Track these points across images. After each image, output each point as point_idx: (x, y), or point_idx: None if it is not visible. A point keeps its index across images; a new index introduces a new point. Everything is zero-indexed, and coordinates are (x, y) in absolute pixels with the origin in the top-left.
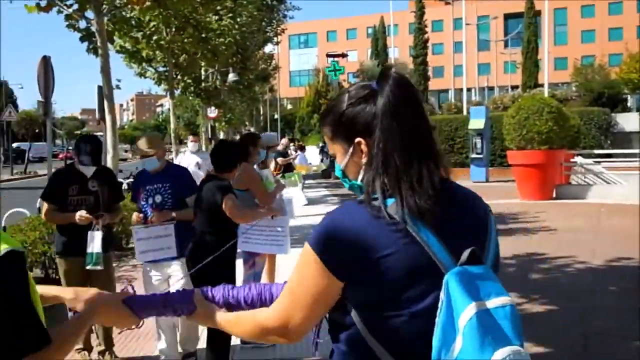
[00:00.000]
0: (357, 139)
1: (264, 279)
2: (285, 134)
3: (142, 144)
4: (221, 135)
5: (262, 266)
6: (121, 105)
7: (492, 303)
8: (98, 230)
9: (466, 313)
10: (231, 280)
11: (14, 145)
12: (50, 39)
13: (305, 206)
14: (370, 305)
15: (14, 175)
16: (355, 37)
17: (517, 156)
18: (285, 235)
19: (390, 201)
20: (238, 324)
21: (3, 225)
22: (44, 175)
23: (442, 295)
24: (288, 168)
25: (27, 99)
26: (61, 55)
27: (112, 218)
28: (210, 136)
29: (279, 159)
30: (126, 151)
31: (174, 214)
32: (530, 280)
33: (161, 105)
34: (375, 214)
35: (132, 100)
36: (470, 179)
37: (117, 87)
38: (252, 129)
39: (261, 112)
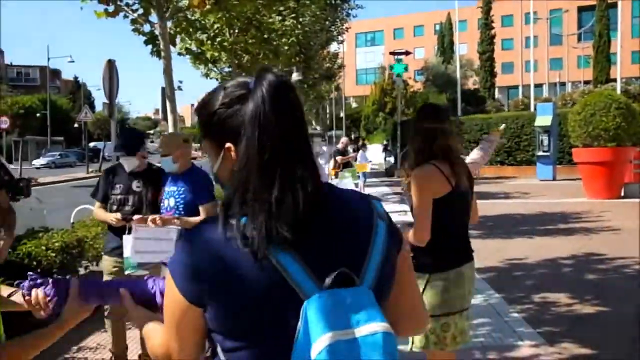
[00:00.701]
0: (228, 144)
1: None
2: (351, 132)
3: (159, 143)
4: None
5: None
6: (192, 105)
7: (360, 331)
8: (135, 232)
9: (318, 345)
10: None
11: (90, 144)
12: (124, 42)
13: None
14: (226, 333)
15: (89, 174)
16: (422, 34)
17: (582, 154)
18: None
19: (245, 219)
20: (148, 339)
21: (72, 221)
22: None
23: (299, 324)
24: (347, 166)
25: (98, 101)
26: (136, 58)
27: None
28: None
29: (338, 158)
30: (196, 150)
31: (176, 220)
32: (585, 281)
33: None
34: (230, 234)
35: None
36: (536, 177)
37: (179, 88)
38: (318, 128)
39: (327, 111)
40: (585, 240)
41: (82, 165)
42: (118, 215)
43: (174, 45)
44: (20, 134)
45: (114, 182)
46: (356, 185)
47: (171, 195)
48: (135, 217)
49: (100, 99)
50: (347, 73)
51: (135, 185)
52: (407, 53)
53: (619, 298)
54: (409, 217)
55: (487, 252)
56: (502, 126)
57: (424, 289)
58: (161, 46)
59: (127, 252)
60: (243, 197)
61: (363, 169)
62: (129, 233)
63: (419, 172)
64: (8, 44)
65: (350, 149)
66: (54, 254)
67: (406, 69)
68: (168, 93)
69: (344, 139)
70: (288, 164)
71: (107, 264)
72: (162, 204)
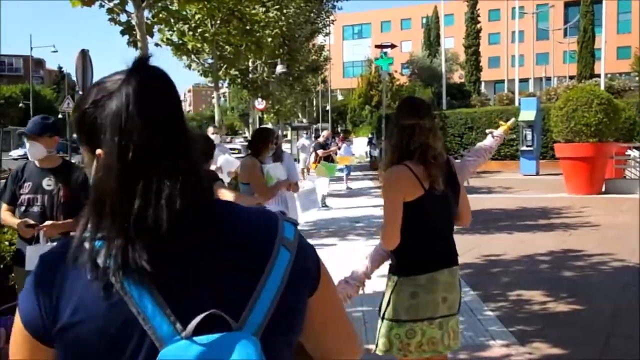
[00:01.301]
0: (98, 151)
1: None
2: (337, 125)
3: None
4: (269, 126)
5: None
6: None
7: None
8: (44, 242)
9: None
10: None
11: (75, 135)
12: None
13: (346, 198)
14: None
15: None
16: (409, 27)
17: (564, 149)
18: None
19: (101, 244)
20: None
21: None
22: None
23: None
24: (328, 160)
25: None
26: (121, 48)
27: (63, 228)
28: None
29: (319, 151)
30: None
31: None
32: (562, 278)
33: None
34: (81, 261)
35: (189, 91)
36: (520, 171)
37: None
38: (304, 121)
39: (314, 104)
40: (565, 237)
41: (65, 157)
42: (27, 220)
43: (151, 35)
44: (2, 124)
45: (23, 179)
46: (339, 178)
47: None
48: (46, 223)
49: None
50: (334, 66)
51: (46, 183)
52: (392, 46)
53: (595, 295)
54: None
55: (465, 248)
56: (512, 120)
57: (391, 292)
58: (138, 36)
59: (29, 265)
60: (99, 215)
61: (346, 162)
62: (37, 242)
63: (390, 173)
64: None
65: (331, 142)
66: None
67: (391, 62)
68: None
69: (325, 132)
70: (154, 176)
71: (16, 275)
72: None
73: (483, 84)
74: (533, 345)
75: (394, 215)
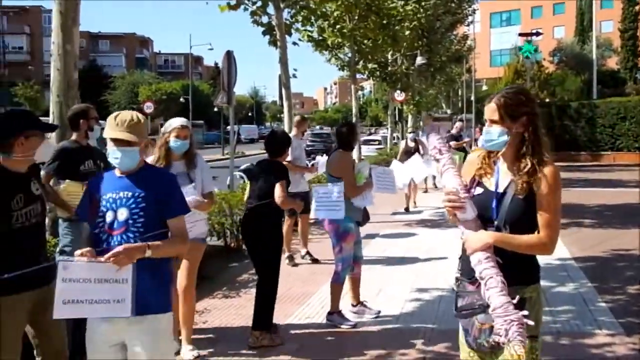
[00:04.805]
0: None
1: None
2: (480, 116)
3: None
4: (409, 118)
5: (349, 251)
6: (325, 89)
7: None
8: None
9: None
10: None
11: (228, 127)
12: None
13: None
14: None
15: (224, 156)
16: (562, 12)
17: None
18: (341, 201)
19: None
20: None
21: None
22: (251, 155)
23: None
24: (461, 152)
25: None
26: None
27: None
28: (396, 119)
29: (452, 143)
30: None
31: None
32: None
33: (362, 88)
34: None
35: (335, 83)
36: None
37: (294, 76)
38: (448, 112)
39: (459, 94)
40: None
41: (219, 148)
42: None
43: (290, 35)
44: (165, 118)
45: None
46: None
47: (121, 205)
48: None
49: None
50: (480, 55)
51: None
52: (537, 34)
53: None
54: None
55: (593, 241)
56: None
57: (537, 305)
58: (277, 36)
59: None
60: None
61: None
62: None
63: (557, 171)
64: (155, 34)
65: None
66: None
67: (536, 50)
68: (284, 81)
69: (458, 124)
70: None
71: None
72: (100, 219)
73: None
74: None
75: (559, 218)
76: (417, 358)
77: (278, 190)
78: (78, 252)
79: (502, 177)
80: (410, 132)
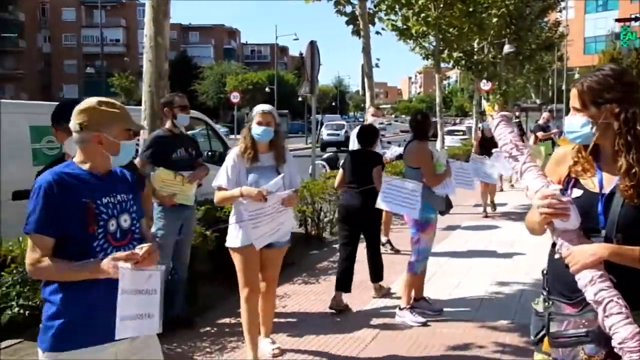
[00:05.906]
0: None
1: None
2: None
3: None
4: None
5: (427, 243)
6: (410, 78)
7: None
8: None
9: None
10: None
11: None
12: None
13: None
14: None
15: (308, 145)
16: None
17: None
18: (418, 199)
19: None
20: None
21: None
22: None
23: None
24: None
25: (322, 75)
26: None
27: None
28: (481, 110)
29: (539, 134)
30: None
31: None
32: None
33: (447, 77)
34: None
35: (419, 73)
36: None
37: (377, 65)
38: (537, 101)
39: (549, 83)
40: None
41: (302, 137)
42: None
43: (373, 24)
44: (250, 108)
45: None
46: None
47: (124, 210)
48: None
49: (323, 73)
50: (574, 42)
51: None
52: (636, 19)
53: None
54: None
55: None
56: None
57: None
58: (361, 26)
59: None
60: None
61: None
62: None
63: None
64: (243, 25)
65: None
66: None
67: (634, 37)
68: (366, 70)
69: (545, 114)
70: None
71: None
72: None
73: None
74: None
75: None
76: (495, 351)
77: (377, 175)
78: (121, 254)
79: (606, 176)
80: (484, 121)
